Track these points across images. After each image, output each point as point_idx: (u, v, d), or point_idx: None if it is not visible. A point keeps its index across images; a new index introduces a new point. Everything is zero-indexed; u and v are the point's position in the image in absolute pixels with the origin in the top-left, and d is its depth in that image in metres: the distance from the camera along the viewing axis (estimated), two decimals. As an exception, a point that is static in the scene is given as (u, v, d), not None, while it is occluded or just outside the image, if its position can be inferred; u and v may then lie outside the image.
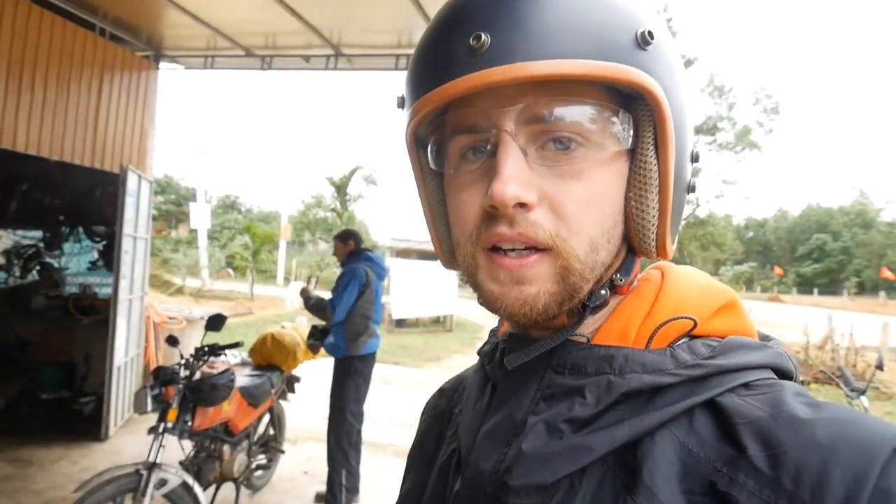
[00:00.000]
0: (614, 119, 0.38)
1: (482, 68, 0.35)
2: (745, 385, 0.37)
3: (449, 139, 0.41)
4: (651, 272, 0.46)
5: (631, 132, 0.38)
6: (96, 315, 4.81)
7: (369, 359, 3.41)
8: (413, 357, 8.95)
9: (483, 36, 0.35)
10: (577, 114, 0.37)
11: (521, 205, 0.37)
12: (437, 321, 13.43)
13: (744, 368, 0.37)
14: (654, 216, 0.40)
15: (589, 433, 0.37)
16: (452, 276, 12.96)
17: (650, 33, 0.36)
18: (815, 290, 38.41)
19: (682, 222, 0.46)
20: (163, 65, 4.83)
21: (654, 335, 0.39)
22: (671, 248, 0.42)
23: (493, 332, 0.53)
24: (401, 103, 0.43)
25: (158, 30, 4.42)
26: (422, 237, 24.97)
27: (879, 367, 3.23)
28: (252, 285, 18.03)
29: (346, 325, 3.29)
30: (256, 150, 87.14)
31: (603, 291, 0.41)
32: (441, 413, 0.57)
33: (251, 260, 19.63)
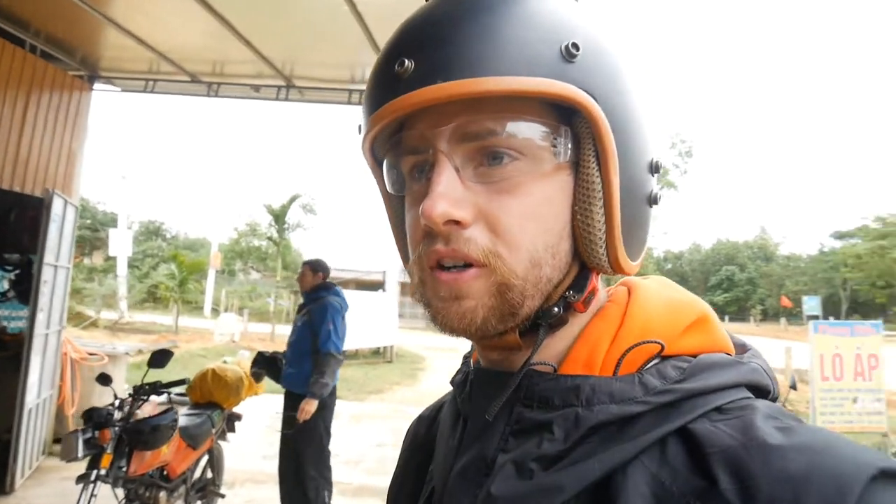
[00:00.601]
0: (550, 133, 0.38)
1: (404, 92, 0.36)
2: (718, 409, 0.35)
3: (401, 160, 0.42)
4: (618, 290, 0.44)
5: (569, 145, 0.38)
6: (3, 352, 4.34)
7: (334, 391, 3.38)
8: (353, 390, 8.72)
9: (406, 61, 0.36)
10: (509, 129, 0.37)
11: (456, 222, 0.37)
12: (376, 352, 13.20)
13: (716, 390, 0.36)
14: (600, 230, 0.38)
15: (558, 471, 0.35)
16: (393, 305, 12.87)
17: (574, 45, 0.36)
18: (726, 318, 41.50)
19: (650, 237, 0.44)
20: (98, 86, 4.59)
21: (620, 361, 0.38)
22: (630, 263, 0.41)
23: (466, 359, 0.51)
24: (359, 130, 0.44)
25: (95, 50, 4.23)
26: (360, 267, 24.63)
27: (793, 387, 3.56)
28: (177, 317, 16.92)
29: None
30: (187, 176, 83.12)
31: (556, 309, 0.39)
32: (420, 445, 0.55)
33: (177, 290, 18.45)
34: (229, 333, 14.73)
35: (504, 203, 0.37)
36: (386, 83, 0.38)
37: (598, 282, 0.42)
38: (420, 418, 0.58)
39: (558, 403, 0.38)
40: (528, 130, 0.37)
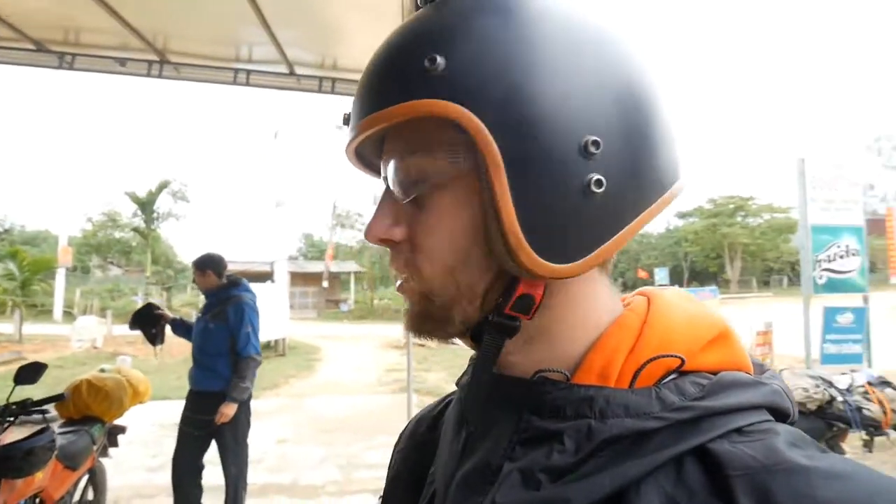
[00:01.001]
0: (445, 145, 0.38)
1: (350, 131, 0.41)
2: (738, 430, 0.34)
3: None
4: (636, 300, 0.43)
5: (460, 154, 0.38)
6: None
7: None
8: (246, 388, 8.25)
9: (347, 113, 0.42)
10: (409, 150, 0.40)
11: (389, 240, 0.41)
12: (267, 346, 12.58)
13: (737, 410, 0.35)
14: (496, 231, 0.36)
15: (567, 484, 0.34)
16: (283, 296, 12.33)
17: (432, 58, 0.35)
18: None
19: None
20: None
21: (638, 374, 0.37)
22: (550, 266, 0.36)
23: (473, 360, 0.52)
24: (344, 121, 0.45)
25: None
26: (245, 257, 22.99)
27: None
28: (20, 324, 14.54)
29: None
30: (25, 160, 70.46)
31: (489, 317, 0.39)
32: (419, 443, 0.54)
33: (18, 292, 15.78)
34: (90, 339, 13.02)
35: (419, 218, 0.40)
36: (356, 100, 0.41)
37: (536, 288, 0.39)
38: (420, 418, 0.58)
39: (570, 414, 0.37)
40: (411, 152, 0.40)
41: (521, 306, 0.39)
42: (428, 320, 0.42)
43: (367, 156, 0.47)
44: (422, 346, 11.59)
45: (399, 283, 0.43)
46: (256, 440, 5.42)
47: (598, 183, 0.36)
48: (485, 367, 0.40)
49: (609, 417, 0.35)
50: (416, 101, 0.36)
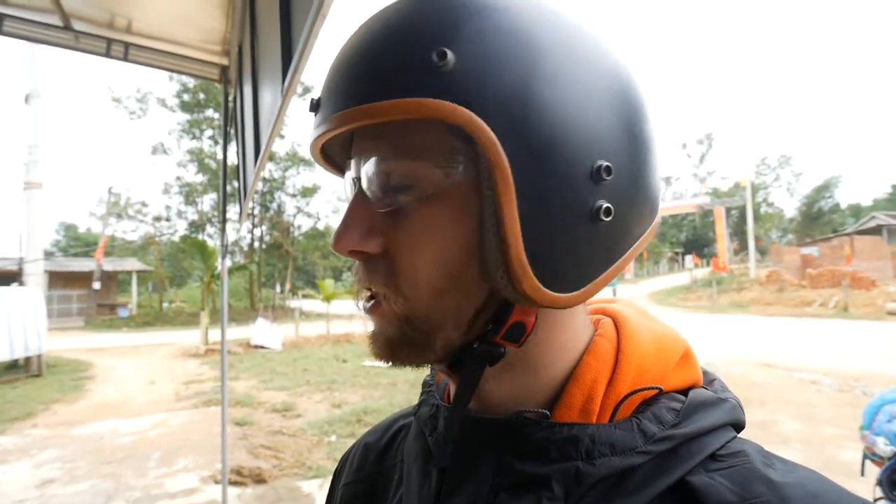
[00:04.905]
0: (439, 152, 0.34)
1: (314, 129, 0.37)
2: (713, 455, 0.35)
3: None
4: (604, 323, 0.42)
5: (459, 163, 0.34)
6: None
7: None
8: (-18, 422, 6.40)
9: (316, 99, 0.37)
10: (395, 154, 0.35)
11: (360, 252, 0.37)
12: (14, 366, 9.95)
13: (709, 431, 0.36)
14: (497, 255, 0.33)
15: None
16: (38, 302, 9.92)
17: (442, 53, 0.31)
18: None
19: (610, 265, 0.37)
20: None
21: (618, 407, 0.37)
22: (553, 295, 0.34)
23: (428, 386, 0.48)
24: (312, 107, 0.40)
25: None
26: (-26, 254, 17.73)
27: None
28: None
29: None
30: None
31: (475, 345, 0.36)
32: (370, 476, 0.50)
33: None
34: None
35: (400, 231, 0.36)
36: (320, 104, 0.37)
37: (529, 315, 0.36)
38: (366, 445, 0.52)
39: (555, 456, 0.35)
40: (397, 155, 0.35)
41: (512, 335, 0.36)
42: (405, 346, 0.37)
43: (329, 150, 0.41)
44: (229, 352, 10.49)
45: (370, 303, 0.38)
46: (6, 488, 4.27)
47: (608, 211, 0.34)
48: (466, 396, 0.37)
49: (596, 458, 0.34)
50: (420, 100, 0.32)
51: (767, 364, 8.78)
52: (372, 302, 0.38)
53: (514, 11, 0.34)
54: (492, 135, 0.32)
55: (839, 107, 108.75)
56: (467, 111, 0.31)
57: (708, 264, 38.48)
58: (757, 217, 39.68)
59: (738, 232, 43.89)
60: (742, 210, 36.68)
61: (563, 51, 0.34)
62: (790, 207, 60.17)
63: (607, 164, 0.34)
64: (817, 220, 47.50)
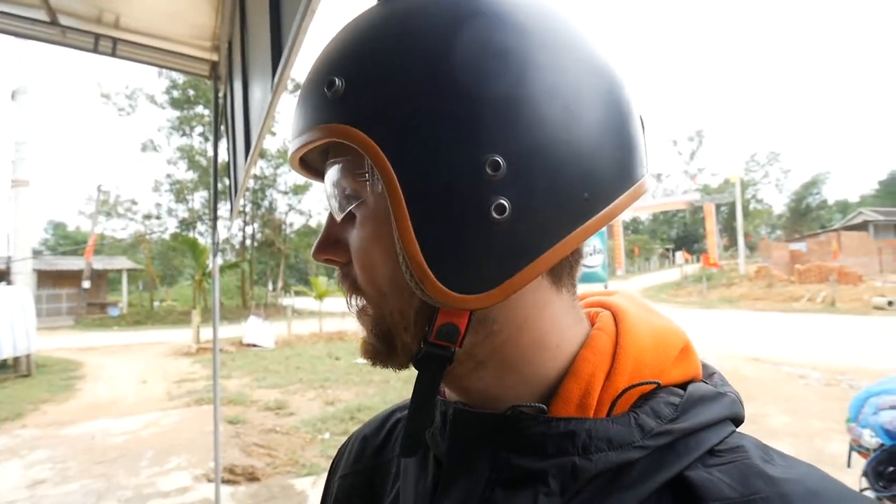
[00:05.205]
0: (356, 168, 0.37)
1: (290, 142, 0.41)
2: (711, 450, 0.35)
3: None
4: (603, 316, 0.42)
5: (373, 176, 0.36)
6: None
7: None
8: (-29, 423, 6.33)
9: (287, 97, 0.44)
10: (338, 172, 0.39)
11: (333, 261, 0.40)
12: (2, 366, 9.84)
13: (708, 425, 0.36)
14: (402, 255, 0.35)
15: None
16: (26, 301, 9.82)
17: (330, 82, 0.35)
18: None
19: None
20: None
21: (615, 402, 0.37)
22: (453, 295, 0.34)
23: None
24: None
25: None
26: (-40, 252, 17.43)
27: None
28: None
29: None
30: None
31: (419, 346, 0.37)
32: (367, 470, 0.50)
33: None
34: None
35: (353, 240, 0.39)
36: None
37: (457, 317, 0.36)
38: (364, 438, 0.53)
39: (552, 451, 0.35)
40: (346, 170, 0.39)
41: (446, 335, 0.36)
42: (377, 350, 0.40)
43: (312, 163, 0.44)
44: (221, 350, 10.46)
45: (356, 310, 0.41)
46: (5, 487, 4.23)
47: (500, 208, 0.33)
48: (424, 397, 0.38)
49: (593, 453, 0.35)
50: (323, 125, 0.36)
51: (756, 359, 8.88)
52: (358, 308, 0.41)
53: (393, 29, 0.36)
54: (374, 145, 0.34)
55: (827, 104, 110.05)
56: (351, 128, 0.35)
57: (698, 260, 38.74)
58: (746, 213, 40.07)
59: (728, 228, 44.27)
60: (732, 206, 37.03)
61: (439, 52, 0.34)
62: (779, 204, 60.94)
63: (496, 158, 0.33)
64: (805, 217, 47.93)
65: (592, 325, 0.41)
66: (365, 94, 0.35)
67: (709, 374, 0.42)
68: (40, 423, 6.39)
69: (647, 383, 0.37)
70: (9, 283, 11.34)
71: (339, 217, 0.40)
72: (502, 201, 0.33)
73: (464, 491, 0.37)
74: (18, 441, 5.62)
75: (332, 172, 0.39)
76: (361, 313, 0.40)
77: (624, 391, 0.37)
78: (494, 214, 0.33)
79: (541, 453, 0.36)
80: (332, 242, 0.40)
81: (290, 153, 0.41)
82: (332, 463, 0.55)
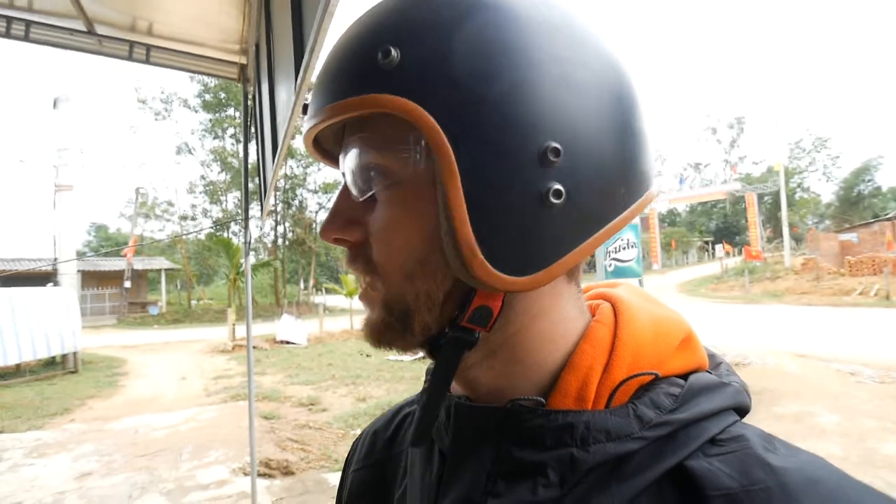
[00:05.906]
0: (398, 143, 0.36)
1: (305, 123, 0.39)
2: (712, 440, 0.35)
3: None
4: (602, 308, 0.41)
5: (416, 153, 0.35)
6: None
7: None
8: (23, 417, 6.66)
9: (309, 97, 0.40)
10: (362, 147, 0.37)
11: (345, 241, 0.39)
12: (52, 363, 10.34)
13: (709, 416, 0.36)
14: (448, 235, 0.34)
15: None
16: (71, 302, 10.26)
17: (386, 50, 0.33)
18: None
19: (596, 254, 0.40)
20: None
21: (614, 393, 0.37)
22: (504, 278, 0.34)
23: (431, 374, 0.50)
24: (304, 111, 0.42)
25: None
26: (13, 254, 18.35)
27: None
28: None
29: None
30: None
31: (446, 330, 0.37)
32: (378, 462, 0.51)
33: None
34: None
35: (375, 220, 0.38)
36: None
37: (494, 300, 0.37)
38: (375, 433, 0.54)
39: (550, 443, 0.36)
40: (368, 148, 0.37)
41: (478, 318, 0.37)
42: (388, 330, 0.39)
43: (325, 144, 0.44)
44: (255, 347, 10.73)
45: (361, 290, 0.41)
46: (47, 480, 4.43)
47: (557, 193, 0.33)
48: (442, 381, 0.38)
49: (591, 444, 0.35)
50: (368, 96, 0.34)
51: (803, 355, 8.50)
52: (362, 290, 0.41)
53: (464, 7, 0.35)
54: (432, 121, 0.33)
55: (879, 84, 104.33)
56: (409, 101, 0.33)
57: (740, 253, 37.47)
58: (791, 203, 38.52)
59: (772, 219, 42.61)
60: (775, 196, 35.59)
61: (508, 38, 0.34)
62: (827, 192, 58.05)
63: (556, 145, 0.33)
64: (856, 205, 45.54)
65: (593, 317, 0.41)
66: (424, 67, 0.33)
67: (715, 364, 0.42)
68: (87, 418, 6.67)
69: (644, 374, 0.37)
70: (55, 283, 11.88)
71: (361, 196, 0.38)
72: (559, 187, 0.33)
73: (467, 483, 0.38)
74: (67, 435, 5.88)
75: (358, 148, 0.38)
76: (369, 290, 0.40)
77: (622, 382, 0.37)
78: (552, 199, 0.33)
79: (540, 446, 0.36)
80: (344, 222, 0.39)
81: (311, 125, 0.38)
82: (347, 457, 0.56)
